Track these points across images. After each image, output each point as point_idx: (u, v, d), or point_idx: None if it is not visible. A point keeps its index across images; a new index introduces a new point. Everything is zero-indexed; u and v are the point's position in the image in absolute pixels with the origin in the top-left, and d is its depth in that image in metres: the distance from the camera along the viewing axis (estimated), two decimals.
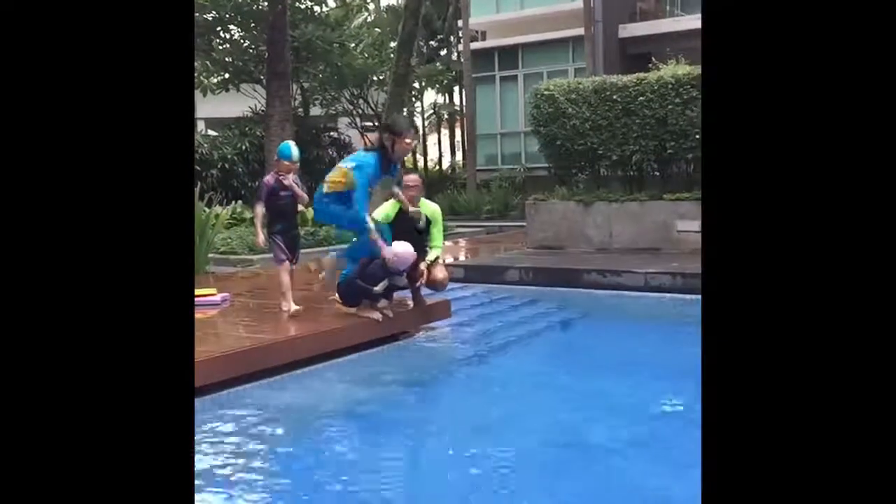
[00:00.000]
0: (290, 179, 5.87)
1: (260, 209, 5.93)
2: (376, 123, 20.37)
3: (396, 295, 5.92)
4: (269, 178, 5.93)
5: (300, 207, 6.07)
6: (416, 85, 23.26)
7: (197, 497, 2.60)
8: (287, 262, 5.82)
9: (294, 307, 5.64)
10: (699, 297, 7.22)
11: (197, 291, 6.13)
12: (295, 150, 5.89)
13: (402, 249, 5.34)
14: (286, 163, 5.84)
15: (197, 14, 14.73)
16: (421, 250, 5.79)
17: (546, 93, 10.45)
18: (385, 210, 5.82)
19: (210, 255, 9.12)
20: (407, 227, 5.72)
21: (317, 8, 18.33)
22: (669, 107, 9.53)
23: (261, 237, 5.92)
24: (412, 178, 5.89)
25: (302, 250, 10.43)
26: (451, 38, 25.83)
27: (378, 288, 5.36)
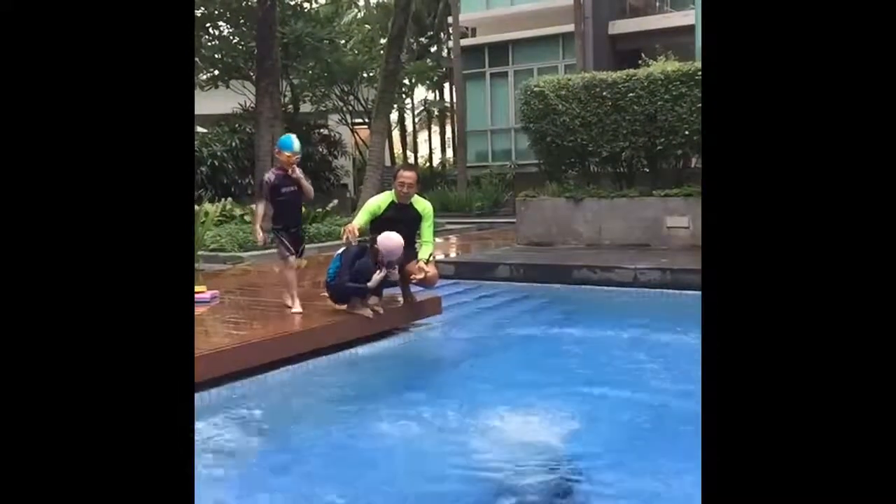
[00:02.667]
0: (298, 172, 5.70)
1: (261, 208, 5.79)
2: (366, 120, 20.36)
3: (386, 292, 5.91)
4: (269, 175, 5.72)
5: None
6: (406, 81, 23.22)
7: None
8: (292, 257, 5.71)
9: (298, 307, 5.58)
10: (688, 292, 7.19)
11: None
12: (297, 142, 5.71)
13: (387, 240, 5.32)
14: (287, 153, 5.62)
15: None
16: (410, 246, 5.77)
17: (536, 89, 10.46)
18: (377, 202, 5.79)
19: (199, 253, 9.07)
20: (400, 219, 5.69)
21: (306, 4, 18.31)
22: (659, 103, 9.56)
23: (259, 235, 5.77)
24: (408, 175, 5.77)
25: None
26: (441, 34, 25.81)
27: (371, 283, 5.34)
